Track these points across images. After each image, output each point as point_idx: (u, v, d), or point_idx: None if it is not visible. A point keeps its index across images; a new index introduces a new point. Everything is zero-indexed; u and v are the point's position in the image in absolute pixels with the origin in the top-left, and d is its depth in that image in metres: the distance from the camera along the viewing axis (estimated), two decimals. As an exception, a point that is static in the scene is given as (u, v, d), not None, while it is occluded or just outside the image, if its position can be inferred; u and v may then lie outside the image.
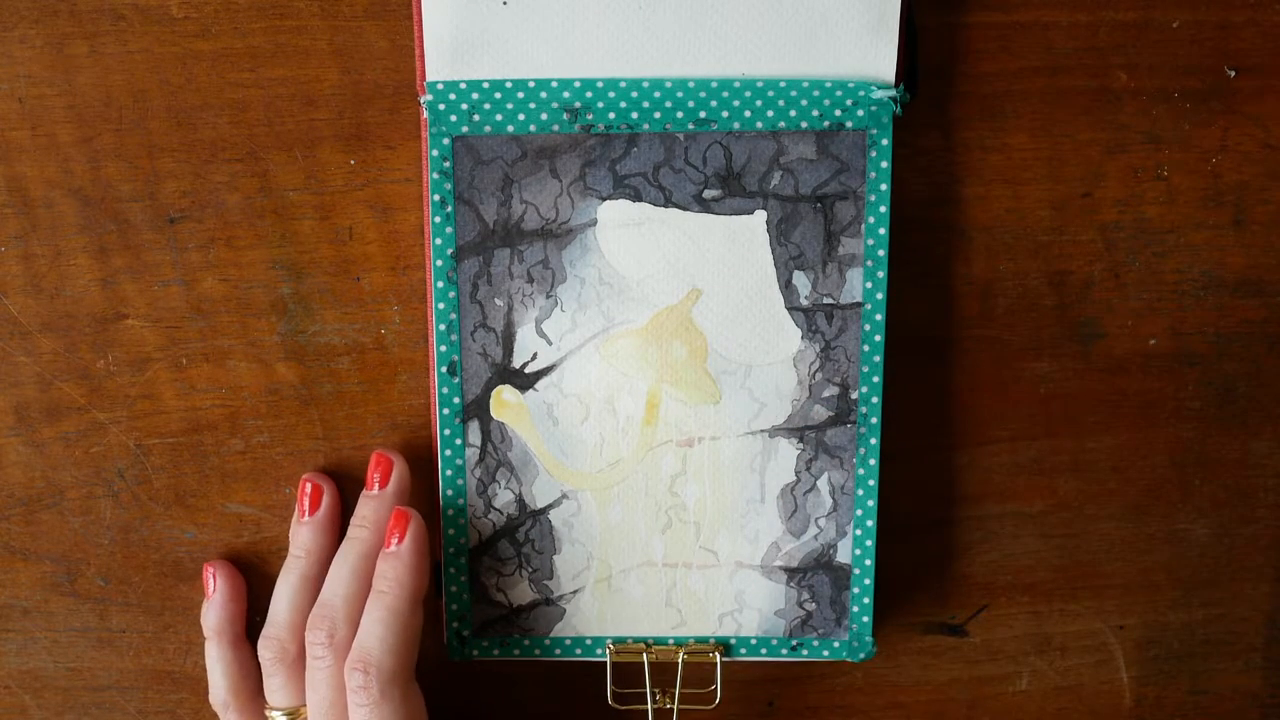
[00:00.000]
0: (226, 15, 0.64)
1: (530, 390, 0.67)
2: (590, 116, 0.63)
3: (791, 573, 0.69)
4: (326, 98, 0.65)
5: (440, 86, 0.63)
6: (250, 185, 0.66)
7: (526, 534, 0.69)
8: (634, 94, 0.63)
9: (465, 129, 0.63)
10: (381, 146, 0.66)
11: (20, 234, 0.66)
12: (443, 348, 0.66)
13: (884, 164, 0.64)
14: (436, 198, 0.64)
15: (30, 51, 0.64)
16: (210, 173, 0.66)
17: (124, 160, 0.65)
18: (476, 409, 0.67)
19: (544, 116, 0.63)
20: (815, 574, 0.69)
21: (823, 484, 0.68)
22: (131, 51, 0.64)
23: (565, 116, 0.63)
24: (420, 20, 0.62)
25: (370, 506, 0.68)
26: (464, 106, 0.63)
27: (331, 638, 0.65)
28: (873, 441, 0.68)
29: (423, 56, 0.63)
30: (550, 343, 0.66)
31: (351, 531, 0.68)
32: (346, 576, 0.67)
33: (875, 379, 0.67)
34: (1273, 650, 0.75)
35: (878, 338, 0.66)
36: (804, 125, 0.64)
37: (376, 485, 0.68)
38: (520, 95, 0.63)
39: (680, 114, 0.63)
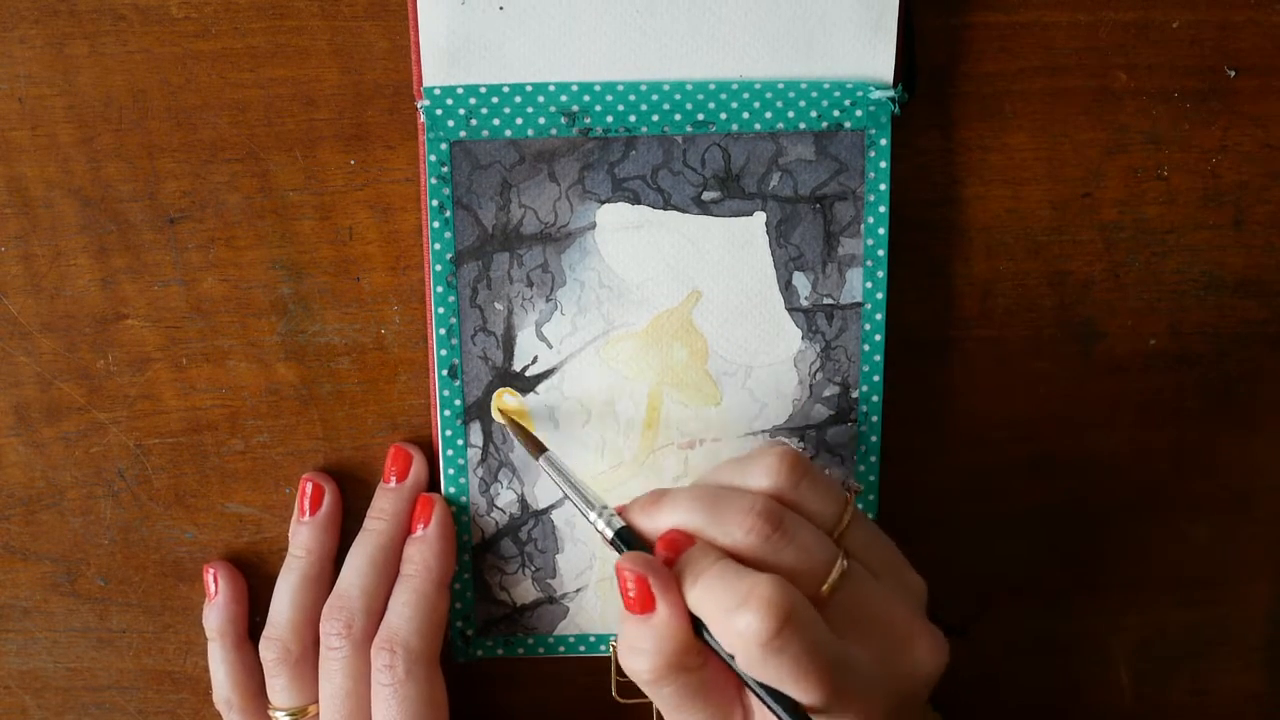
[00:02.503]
0: (226, 15, 0.64)
1: (531, 393, 0.67)
2: (588, 120, 0.63)
3: (792, 571, 0.70)
4: (326, 98, 0.65)
5: (437, 91, 0.63)
6: (250, 185, 0.66)
7: (529, 533, 0.69)
8: (631, 97, 0.63)
9: (463, 134, 0.63)
10: (381, 146, 0.66)
11: (20, 234, 0.66)
12: (443, 351, 0.66)
13: (883, 164, 0.64)
14: (435, 203, 0.64)
15: (30, 51, 0.64)
16: (210, 173, 0.66)
17: (124, 160, 0.65)
18: (478, 410, 0.67)
19: (542, 120, 0.63)
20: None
21: (823, 483, 0.68)
22: (131, 51, 0.64)
23: (563, 120, 0.63)
24: (416, 25, 0.62)
25: (388, 499, 0.68)
26: (461, 111, 0.63)
27: (349, 628, 0.66)
28: (873, 440, 0.68)
29: (419, 61, 0.62)
30: (550, 346, 0.66)
31: (368, 524, 0.68)
32: (364, 568, 0.67)
33: (875, 379, 0.67)
34: (1273, 650, 0.75)
35: (878, 337, 0.66)
36: (802, 126, 0.64)
37: (394, 479, 0.68)
38: (517, 99, 0.63)
39: (678, 116, 0.63)
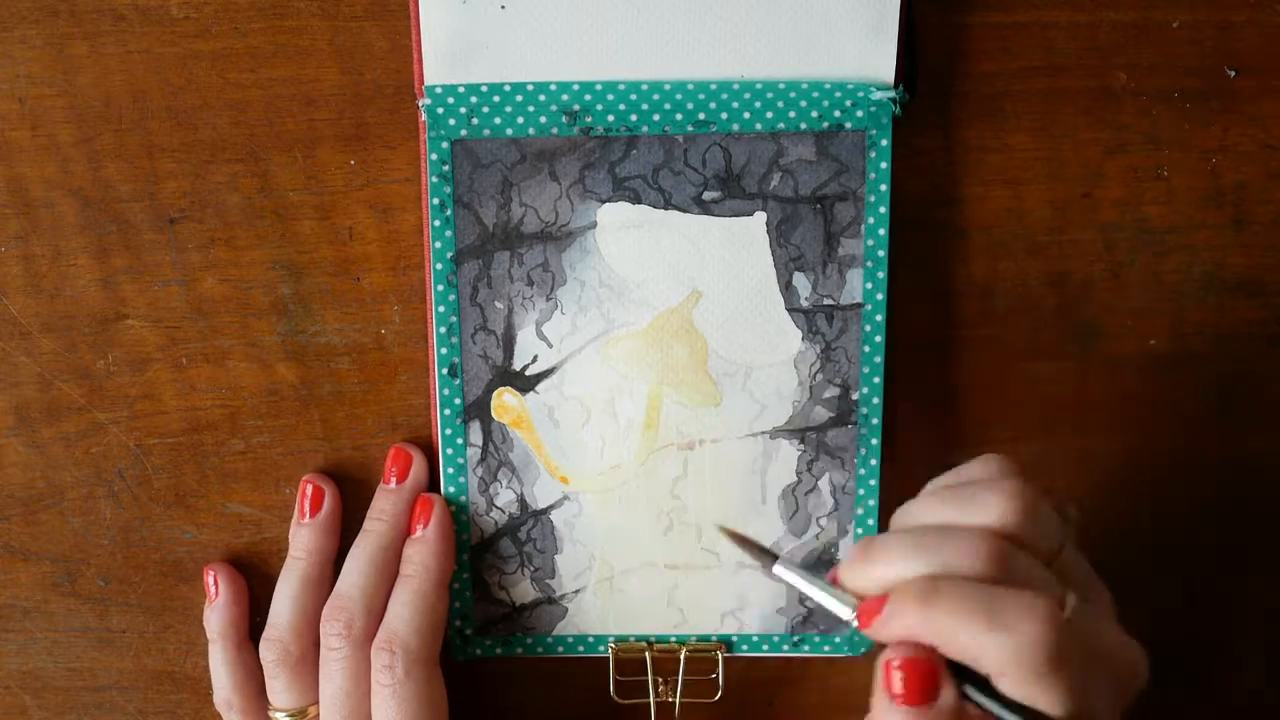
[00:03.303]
0: (226, 15, 0.64)
1: (531, 393, 0.67)
2: (589, 119, 0.63)
3: (793, 571, 0.70)
4: (326, 98, 0.65)
5: (439, 90, 0.63)
6: (250, 185, 0.66)
7: (528, 533, 0.69)
8: (633, 96, 0.63)
9: (464, 132, 0.63)
10: (381, 146, 0.66)
11: (20, 234, 0.66)
12: (443, 350, 0.66)
13: (883, 165, 0.64)
14: (436, 201, 0.64)
15: (30, 51, 0.64)
16: (210, 173, 0.66)
17: (124, 160, 0.65)
18: (477, 410, 0.67)
19: (543, 119, 0.63)
20: (817, 573, 0.70)
21: (824, 484, 0.68)
22: (131, 51, 0.64)
23: (564, 119, 0.63)
24: (418, 23, 0.62)
25: (389, 500, 0.68)
26: (462, 110, 0.63)
27: (349, 628, 0.66)
28: (874, 442, 0.68)
29: (421, 60, 0.63)
30: (550, 345, 0.66)
31: (368, 524, 0.69)
32: (364, 568, 0.67)
33: (876, 380, 0.67)
34: (1273, 650, 0.75)
35: (878, 338, 0.66)
36: (803, 126, 0.64)
37: (394, 480, 0.68)
38: (519, 98, 0.63)
39: (679, 116, 0.63)
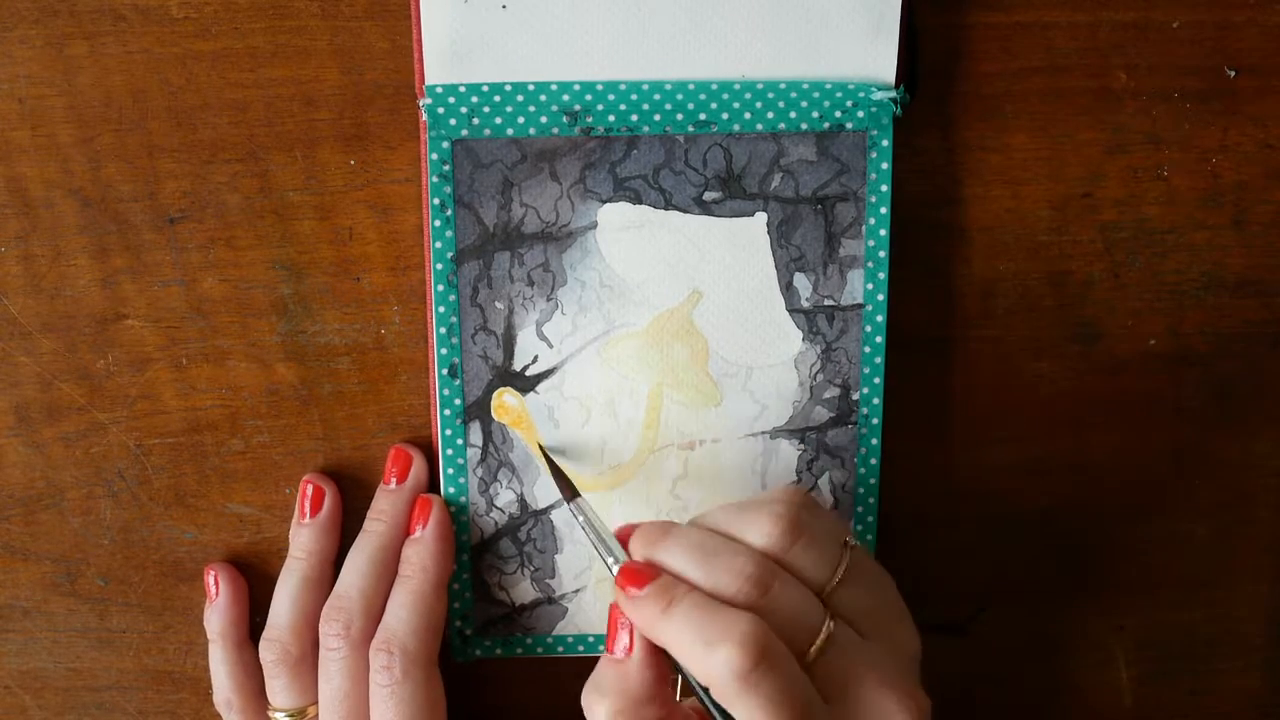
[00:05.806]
0: (226, 15, 0.64)
1: (531, 393, 0.67)
2: (590, 119, 0.63)
3: (792, 571, 0.70)
4: (326, 98, 0.65)
5: (439, 90, 0.63)
6: (250, 185, 0.66)
7: (528, 533, 0.69)
8: (634, 96, 0.63)
9: (465, 132, 0.63)
10: (381, 146, 0.66)
11: (20, 234, 0.66)
12: (443, 350, 0.66)
13: (884, 165, 0.64)
14: (436, 201, 0.64)
15: (30, 51, 0.64)
16: (210, 173, 0.66)
17: (124, 160, 0.65)
18: (477, 410, 0.67)
19: (544, 119, 0.63)
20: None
21: (824, 484, 0.68)
22: (131, 51, 0.64)
23: (565, 119, 0.63)
24: (419, 23, 0.62)
25: (388, 500, 0.68)
26: (463, 110, 0.63)
27: (348, 629, 0.66)
28: (874, 442, 0.68)
29: (422, 59, 0.62)
30: (551, 345, 0.66)
31: (368, 525, 0.68)
32: (364, 568, 0.67)
33: (876, 380, 0.67)
34: (1273, 650, 0.75)
35: (879, 339, 0.66)
36: (804, 127, 0.64)
37: (394, 480, 0.68)
38: (520, 98, 0.63)
39: (680, 116, 0.63)
